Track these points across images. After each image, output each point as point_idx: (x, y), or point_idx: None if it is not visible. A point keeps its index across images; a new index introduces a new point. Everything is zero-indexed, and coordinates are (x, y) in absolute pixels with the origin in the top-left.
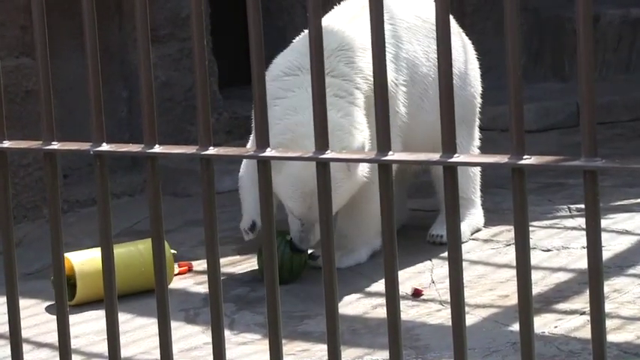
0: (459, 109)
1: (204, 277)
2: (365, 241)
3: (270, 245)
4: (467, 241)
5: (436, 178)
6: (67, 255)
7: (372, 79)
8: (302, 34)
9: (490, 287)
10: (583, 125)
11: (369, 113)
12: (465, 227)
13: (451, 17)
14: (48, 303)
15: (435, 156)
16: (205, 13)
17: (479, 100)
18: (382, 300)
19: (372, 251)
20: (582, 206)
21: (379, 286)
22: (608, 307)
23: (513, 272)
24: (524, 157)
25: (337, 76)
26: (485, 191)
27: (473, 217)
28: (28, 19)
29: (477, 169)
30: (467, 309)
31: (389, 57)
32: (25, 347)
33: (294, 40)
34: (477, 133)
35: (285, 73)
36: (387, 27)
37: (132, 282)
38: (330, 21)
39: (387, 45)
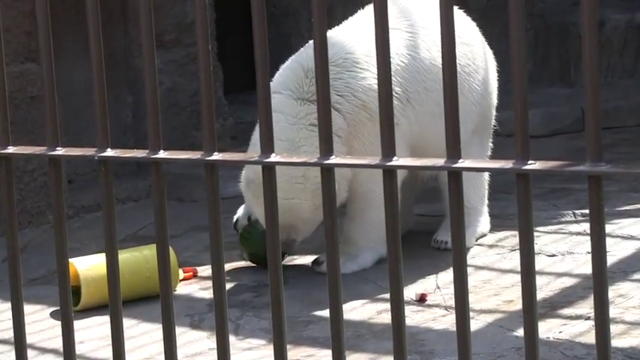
0: (479, 118)
1: (209, 283)
2: (370, 246)
3: (275, 251)
4: (472, 247)
5: (443, 184)
6: (71, 260)
7: (360, 93)
8: (302, 48)
9: (495, 292)
10: (588, 130)
11: (355, 132)
12: (470, 234)
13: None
14: (53, 308)
15: (440, 161)
16: (210, 18)
17: (494, 111)
18: (387, 305)
19: (377, 256)
20: (587, 211)
21: (384, 291)
22: (613, 312)
23: (518, 277)
24: (529, 162)
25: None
26: (491, 196)
27: (478, 225)
28: (33, 24)
29: (485, 179)
30: (472, 314)
31: (397, 68)
32: (30, 353)
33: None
34: (489, 144)
35: (274, 90)
36: (403, 35)
37: (137, 287)
38: (331, 33)
39: (397, 55)
